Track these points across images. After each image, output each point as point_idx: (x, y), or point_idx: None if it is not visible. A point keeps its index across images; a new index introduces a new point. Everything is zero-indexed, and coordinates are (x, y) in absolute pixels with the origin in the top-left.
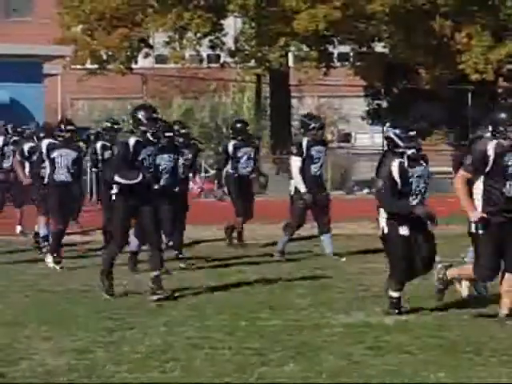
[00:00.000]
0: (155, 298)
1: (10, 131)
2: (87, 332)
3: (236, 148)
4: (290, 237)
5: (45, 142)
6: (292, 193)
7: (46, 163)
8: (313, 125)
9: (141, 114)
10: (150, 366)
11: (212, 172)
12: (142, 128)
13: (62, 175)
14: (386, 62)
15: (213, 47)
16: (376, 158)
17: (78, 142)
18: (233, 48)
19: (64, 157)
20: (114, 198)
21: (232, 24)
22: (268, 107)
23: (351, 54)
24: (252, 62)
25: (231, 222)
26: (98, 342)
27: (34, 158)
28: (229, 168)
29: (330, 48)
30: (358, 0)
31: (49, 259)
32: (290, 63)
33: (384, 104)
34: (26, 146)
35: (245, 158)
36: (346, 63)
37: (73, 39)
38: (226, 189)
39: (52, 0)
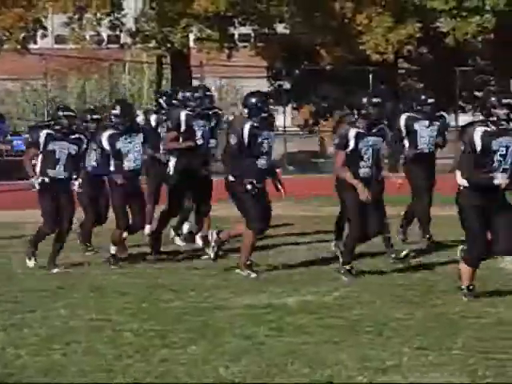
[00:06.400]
0: None
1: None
2: None
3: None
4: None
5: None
6: None
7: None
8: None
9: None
10: (51, 348)
11: None
12: None
13: None
14: (288, 43)
15: (113, 28)
16: (276, 139)
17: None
18: (133, 29)
19: None
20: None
21: (132, 5)
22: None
23: (252, 35)
24: (153, 43)
25: None
26: None
27: None
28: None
29: (232, 29)
30: None
31: None
32: (192, 44)
33: (286, 85)
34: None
35: None
36: (248, 44)
37: None
38: None
39: None
